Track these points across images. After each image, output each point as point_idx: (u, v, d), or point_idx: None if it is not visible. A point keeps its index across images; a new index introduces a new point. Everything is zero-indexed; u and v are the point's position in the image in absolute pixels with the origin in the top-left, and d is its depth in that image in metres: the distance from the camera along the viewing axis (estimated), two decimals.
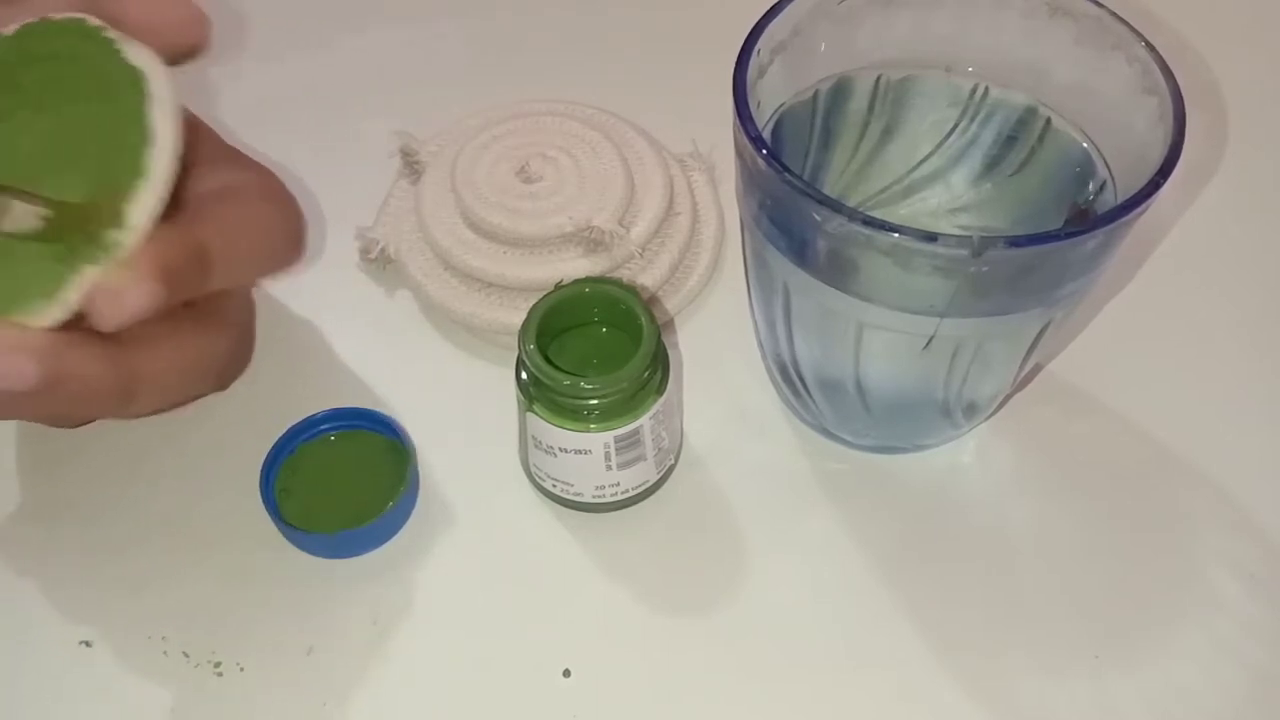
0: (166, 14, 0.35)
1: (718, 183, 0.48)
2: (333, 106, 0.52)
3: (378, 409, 0.41)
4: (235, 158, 0.39)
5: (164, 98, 0.33)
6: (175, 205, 0.33)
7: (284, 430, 0.40)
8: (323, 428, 0.41)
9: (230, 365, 0.40)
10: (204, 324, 0.37)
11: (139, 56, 0.33)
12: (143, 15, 0.34)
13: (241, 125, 0.48)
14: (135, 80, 0.33)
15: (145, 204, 0.32)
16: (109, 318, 0.31)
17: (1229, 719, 0.36)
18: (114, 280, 0.31)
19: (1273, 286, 0.46)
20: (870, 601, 0.38)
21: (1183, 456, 0.42)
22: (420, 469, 0.41)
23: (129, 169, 0.32)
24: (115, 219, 0.32)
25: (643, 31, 0.55)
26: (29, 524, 0.40)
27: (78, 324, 0.32)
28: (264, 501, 0.39)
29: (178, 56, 0.35)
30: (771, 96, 0.36)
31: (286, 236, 0.38)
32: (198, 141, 0.38)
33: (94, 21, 0.34)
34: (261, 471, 0.39)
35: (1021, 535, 0.40)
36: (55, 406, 0.33)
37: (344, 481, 0.40)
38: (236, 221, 0.36)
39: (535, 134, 0.45)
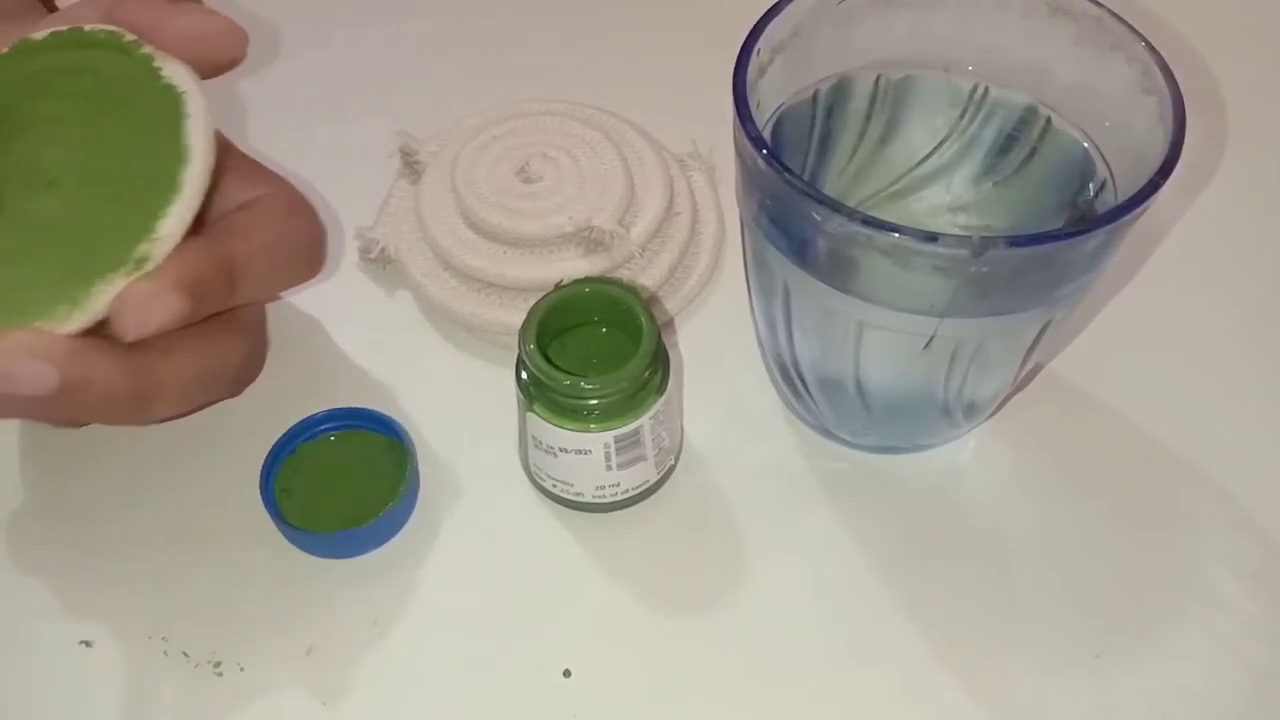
0: (206, 29, 0.35)
1: (718, 183, 0.48)
2: (333, 106, 0.52)
3: (378, 409, 0.41)
4: (257, 171, 0.39)
5: (200, 116, 0.34)
6: (201, 219, 0.34)
7: (284, 430, 0.40)
8: (323, 428, 0.41)
9: (244, 371, 0.39)
10: (222, 332, 0.37)
11: (176, 74, 0.34)
12: (182, 29, 0.35)
13: (241, 125, 0.48)
14: (173, 99, 0.34)
15: (177, 218, 0.33)
16: (133, 328, 0.32)
17: (1229, 719, 0.36)
18: (141, 291, 0.32)
19: (1273, 286, 0.46)
20: (870, 601, 0.38)
21: (1183, 456, 0.42)
22: (420, 469, 0.41)
23: (163, 184, 0.33)
24: (146, 231, 0.32)
25: (643, 31, 0.55)
26: (29, 523, 0.40)
27: (98, 331, 0.32)
28: (264, 501, 0.39)
29: (213, 70, 0.35)
30: (771, 96, 0.36)
31: (309, 250, 0.39)
32: (224, 154, 0.39)
33: (130, 37, 0.34)
34: (261, 471, 0.39)
35: (1021, 535, 0.40)
36: (71, 412, 0.33)
37: (344, 481, 0.40)
38: (263, 236, 0.36)
39: (535, 134, 0.45)
